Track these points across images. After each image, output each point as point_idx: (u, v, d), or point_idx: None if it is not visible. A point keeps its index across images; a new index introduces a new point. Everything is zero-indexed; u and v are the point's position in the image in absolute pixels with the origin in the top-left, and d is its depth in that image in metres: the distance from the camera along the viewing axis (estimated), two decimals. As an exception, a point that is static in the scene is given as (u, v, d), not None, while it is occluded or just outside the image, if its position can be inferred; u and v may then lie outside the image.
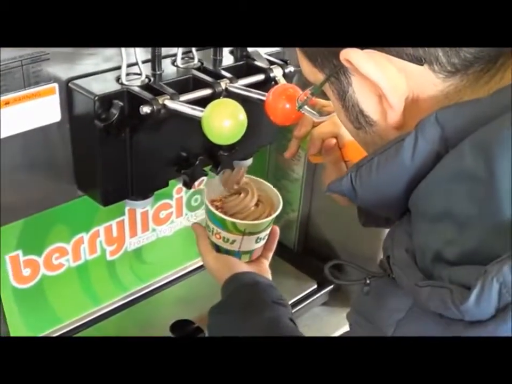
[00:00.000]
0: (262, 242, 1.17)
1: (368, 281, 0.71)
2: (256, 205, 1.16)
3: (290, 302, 1.42)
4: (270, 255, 1.20)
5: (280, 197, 1.17)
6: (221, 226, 1.11)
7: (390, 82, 0.63)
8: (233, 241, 1.13)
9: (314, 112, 0.92)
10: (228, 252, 1.15)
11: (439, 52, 0.61)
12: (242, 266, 1.13)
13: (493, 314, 0.52)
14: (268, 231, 1.16)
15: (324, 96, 0.74)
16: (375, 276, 0.70)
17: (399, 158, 0.62)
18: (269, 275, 1.16)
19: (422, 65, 0.62)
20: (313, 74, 0.71)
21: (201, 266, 1.54)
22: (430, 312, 0.58)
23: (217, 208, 1.12)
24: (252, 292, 1.06)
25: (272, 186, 1.20)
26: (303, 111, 0.88)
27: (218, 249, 1.16)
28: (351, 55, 0.63)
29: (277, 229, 1.19)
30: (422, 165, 0.61)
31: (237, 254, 1.15)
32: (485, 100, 0.60)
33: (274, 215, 1.13)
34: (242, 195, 1.15)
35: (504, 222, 0.53)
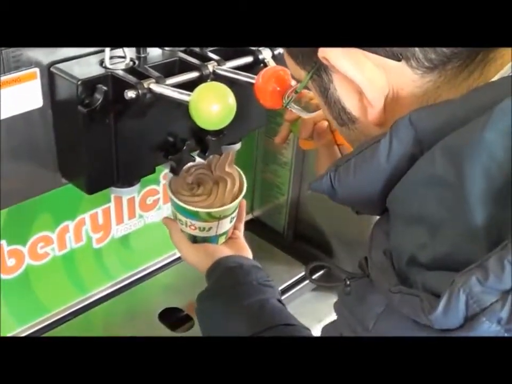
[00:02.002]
0: (235, 220, 1.17)
1: (348, 282, 0.71)
2: (216, 183, 1.12)
3: (280, 288, 1.41)
4: (242, 225, 1.21)
5: (241, 172, 1.15)
6: (194, 218, 1.10)
7: (368, 79, 0.63)
8: (210, 228, 1.12)
9: (301, 109, 0.93)
10: (205, 240, 1.14)
11: (416, 48, 0.61)
12: (222, 250, 1.13)
13: (462, 323, 0.52)
14: (237, 208, 1.16)
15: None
16: (354, 277, 0.71)
17: (375, 159, 0.62)
18: (247, 250, 1.16)
19: (400, 61, 0.62)
20: (297, 71, 0.72)
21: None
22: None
23: (182, 199, 1.10)
24: (237, 275, 1.05)
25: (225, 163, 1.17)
26: (290, 108, 0.89)
27: (194, 239, 1.14)
28: (328, 53, 0.63)
29: (244, 201, 1.19)
30: (397, 167, 0.61)
31: (214, 239, 1.14)
32: (457, 101, 0.60)
33: (243, 192, 1.13)
34: (201, 186, 1.12)
35: (474, 227, 0.53)
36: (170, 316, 1.37)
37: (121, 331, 1.31)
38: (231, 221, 1.14)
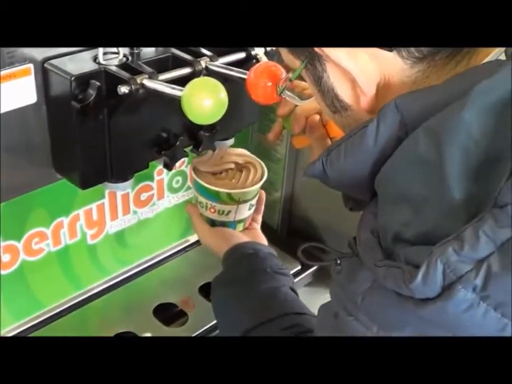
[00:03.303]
0: (253, 208, 1.20)
1: (338, 262, 0.73)
2: (240, 171, 1.18)
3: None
4: (260, 217, 1.25)
5: (262, 163, 1.20)
6: (215, 199, 1.13)
7: (361, 68, 0.66)
8: (229, 212, 1.15)
9: (295, 97, 0.94)
10: (223, 224, 1.17)
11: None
12: (239, 236, 1.17)
13: (440, 292, 0.54)
14: (257, 197, 1.19)
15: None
16: (345, 257, 0.73)
17: (363, 143, 0.64)
18: (264, 240, 1.20)
19: (391, 51, 0.64)
20: (291, 61, 0.74)
21: (184, 249, 1.54)
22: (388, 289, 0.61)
23: (205, 180, 1.14)
24: (253, 262, 1.09)
25: (251, 154, 1.23)
26: (284, 96, 0.90)
27: (213, 223, 1.18)
28: None
29: (263, 193, 1.24)
30: (384, 149, 0.63)
31: (232, 225, 1.18)
32: (440, 86, 0.63)
33: (263, 180, 1.16)
34: (223, 172, 1.17)
35: (452, 204, 0.56)
36: (165, 311, 1.37)
37: (116, 326, 1.31)
38: (249, 208, 1.18)
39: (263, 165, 1.19)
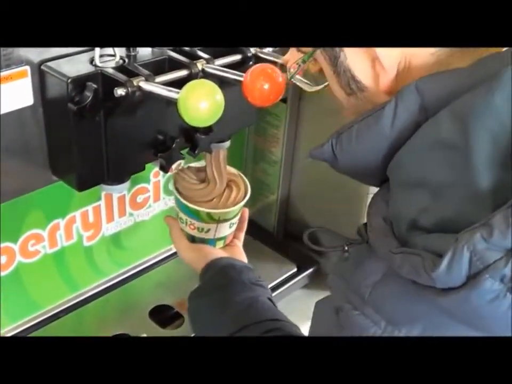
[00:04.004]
0: (235, 226, 1.17)
1: (346, 248, 0.73)
2: (224, 189, 1.15)
3: (270, 286, 1.42)
4: (242, 235, 1.21)
5: (246, 180, 1.17)
6: (194, 217, 1.11)
7: None
8: (208, 230, 1.13)
9: (307, 81, 0.91)
10: (203, 241, 1.15)
11: None
12: (217, 253, 1.13)
13: (464, 281, 0.53)
14: (239, 215, 1.17)
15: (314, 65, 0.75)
16: (353, 243, 0.72)
17: (379, 125, 0.63)
18: (243, 257, 1.17)
19: None
20: None
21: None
22: (403, 279, 0.59)
23: (186, 198, 1.11)
24: (229, 274, 1.06)
25: (236, 170, 1.19)
26: (294, 81, 0.87)
27: (193, 239, 1.15)
28: None
29: (246, 210, 1.20)
30: (401, 133, 0.62)
31: (212, 242, 1.15)
32: (465, 70, 0.61)
33: (245, 200, 1.14)
34: (210, 184, 1.13)
35: (478, 191, 0.54)
36: (161, 313, 1.37)
37: (112, 328, 1.32)
38: (230, 226, 1.15)
39: (247, 182, 1.17)
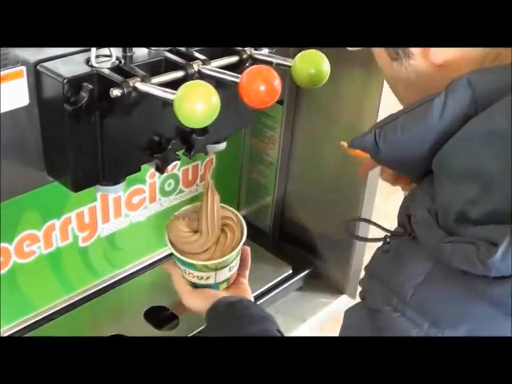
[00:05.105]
0: (236, 268, 1.16)
1: (388, 240, 0.71)
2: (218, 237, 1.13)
3: (265, 287, 1.43)
4: (247, 272, 1.19)
5: (241, 219, 1.16)
6: (192, 268, 1.11)
7: None
8: (208, 278, 1.12)
9: None
10: (205, 287, 1.14)
11: None
12: (221, 294, 1.12)
13: None
14: (239, 257, 1.15)
15: None
16: (395, 235, 0.71)
17: (427, 118, 0.63)
18: (249, 295, 1.16)
19: None
20: None
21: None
22: (450, 274, 0.59)
23: (180, 251, 1.11)
24: (237, 310, 1.05)
25: (233, 210, 1.18)
26: None
27: (195, 285, 1.15)
28: None
29: (247, 249, 1.19)
30: (450, 126, 0.62)
31: (215, 286, 1.15)
32: None
33: (241, 243, 1.13)
34: (203, 234, 1.12)
35: None
36: (156, 315, 1.37)
37: (107, 329, 1.31)
38: (230, 270, 1.14)
39: (242, 222, 1.16)
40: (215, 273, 1.11)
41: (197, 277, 1.12)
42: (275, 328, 1.01)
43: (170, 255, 1.14)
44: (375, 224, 0.79)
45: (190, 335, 1.29)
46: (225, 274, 1.14)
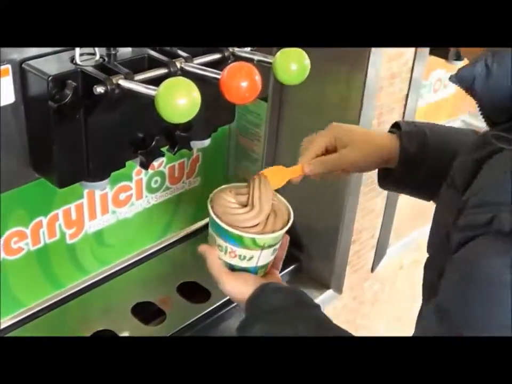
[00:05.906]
0: (276, 253, 1.07)
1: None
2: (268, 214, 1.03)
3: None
4: (280, 263, 1.11)
5: (289, 205, 1.07)
6: (237, 243, 1.00)
7: None
8: (251, 258, 1.02)
9: None
10: (244, 270, 1.04)
11: None
12: (263, 281, 1.03)
13: None
14: (281, 241, 1.06)
15: None
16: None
17: None
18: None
19: None
20: None
21: (162, 249, 1.55)
22: None
23: (226, 223, 1.00)
24: (291, 294, 1.01)
25: (280, 196, 1.09)
26: None
27: (232, 268, 1.04)
28: None
29: (287, 237, 1.09)
30: None
31: (254, 270, 1.05)
32: None
33: (289, 224, 1.03)
34: (254, 208, 1.01)
35: None
36: (143, 310, 1.38)
37: (95, 325, 1.33)
38: (273, 253, 1.05)
39: (289, 208, 1.06)
40: (260, 252, 1.01)
41: (239, 256, 1.01)
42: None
43: (212, 227, 1.03)
44: None
45: (176, 330, 1.31)
46: (268, 257, 1.04)
